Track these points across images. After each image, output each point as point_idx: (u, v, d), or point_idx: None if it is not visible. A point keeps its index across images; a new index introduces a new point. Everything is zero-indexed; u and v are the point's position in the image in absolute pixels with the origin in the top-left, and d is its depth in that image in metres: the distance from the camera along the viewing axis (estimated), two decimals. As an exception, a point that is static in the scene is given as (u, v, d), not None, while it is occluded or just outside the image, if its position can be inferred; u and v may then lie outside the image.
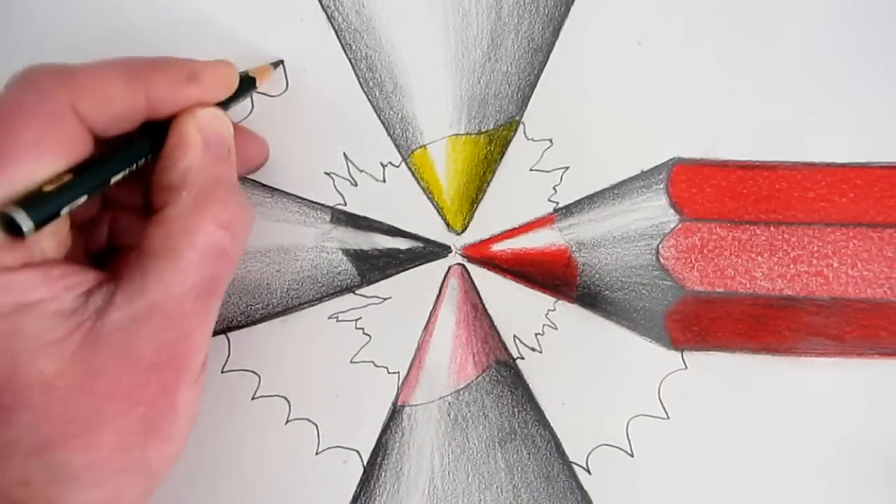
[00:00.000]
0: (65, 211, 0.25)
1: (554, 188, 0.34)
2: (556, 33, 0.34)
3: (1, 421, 0.24)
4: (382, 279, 0.34)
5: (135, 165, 0.27)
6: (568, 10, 0.34)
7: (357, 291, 0.34)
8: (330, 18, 0.34)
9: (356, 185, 0.34)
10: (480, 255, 0.34)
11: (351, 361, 0.34)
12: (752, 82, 0.34)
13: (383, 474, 0.34)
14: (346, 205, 0.34)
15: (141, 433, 0.25)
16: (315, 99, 0.34)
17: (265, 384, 0.34)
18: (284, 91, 0.34)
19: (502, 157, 0.34)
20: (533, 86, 0.34)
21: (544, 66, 0.34)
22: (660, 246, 0.34)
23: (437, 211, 0.35)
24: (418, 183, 0.34)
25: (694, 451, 0.34)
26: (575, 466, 0.34)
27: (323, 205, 0.34)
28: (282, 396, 0.34)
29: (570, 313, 0.34)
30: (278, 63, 0.34)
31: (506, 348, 0.34)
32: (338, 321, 0.34)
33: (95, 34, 0.34)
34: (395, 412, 0.34)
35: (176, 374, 0.26)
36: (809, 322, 0.34)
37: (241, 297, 0.34)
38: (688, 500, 0.34)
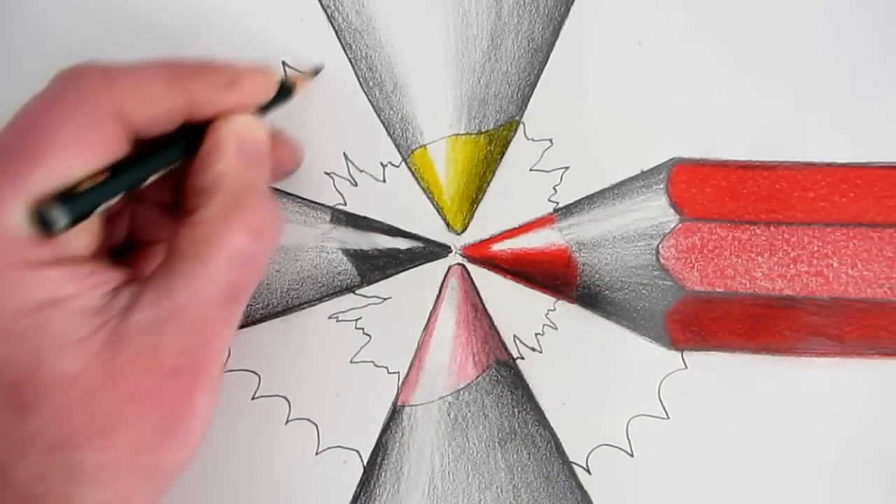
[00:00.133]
0: (99, 210, 0.25)
1: (554, 188, 0.34)
2: (556, 33, 0.34)
3: (21, 417, 0.24)
4: (382, 279, 0.34)
5: (170, 167, 0.27)
6: (568, 10, 0.34)
7: (357, 291, 0.34)
8: (330, 18, 0.34)
9: (356, 185, 0.34)
10: (480, 255, 0.34)
11: (351, 361, 0.34)
12: (752, 82, 0.34)
13: (383, 474, 0.34)
14: (346, 205, 0.34)
15: (156, 437, 0.25)
16: (315, 99, 0.34)
17: (265, 384, 0.34)
18: (284, 91, 0.34)
19: (502, 157, 0.34)
20: (533, 86, 0.34)
21: (544, 66, 0.34)
22: (660, 246, 0.34)
23: (437, 211, 0.35)
24: (418, 183, 0.34)
25: (694, 451, 0.34)
26: (575, 466, 0.34)
27: (323, 205, 0.34)
28: (282, 396, 0.34)
29: (570, 313, 0.34)
30: (318, 70, 0.34)
31: (506, 348, 0.34)
32: (338, 321, 0.34)
33: (93, 33, 0.34)
34: (395, 412, 0.34)
35: (195, 380, 0.26)
36: (809, 322, 0.34)
37: (241, 297, 0.34)
38: (688, 500, 0.34)
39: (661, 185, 0.34)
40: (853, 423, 0.34)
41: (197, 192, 0.27)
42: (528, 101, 0.34)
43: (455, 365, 0.34)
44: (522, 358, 0.34)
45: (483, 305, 0.34)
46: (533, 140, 0.34)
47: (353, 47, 0.34)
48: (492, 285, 0.34)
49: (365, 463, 0.34)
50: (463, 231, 0.35)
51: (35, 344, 0.24)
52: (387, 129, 0.34)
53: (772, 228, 0.34)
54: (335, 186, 0.34)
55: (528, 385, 0.34)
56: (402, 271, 0.34)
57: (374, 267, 0.34)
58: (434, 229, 0.35)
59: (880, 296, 0.34)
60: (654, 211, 0.34)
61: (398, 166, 0.34)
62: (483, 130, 0.34)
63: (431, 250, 0.35)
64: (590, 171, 0.34)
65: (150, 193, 0.30)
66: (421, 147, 0.34)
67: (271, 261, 0.34)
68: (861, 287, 0.34)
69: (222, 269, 0.25)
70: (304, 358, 0.34)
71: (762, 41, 0.34)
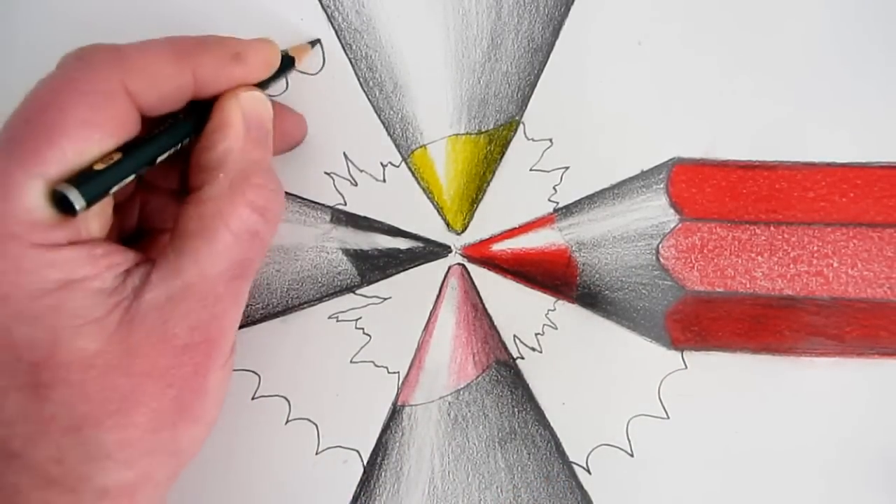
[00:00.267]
0: (114, 189, 0.25)
1: (554, 188, 0.34)
2: (556, 33, 0.34)
3: (39, 397, 0.24)
4: (382, 279, 0.34)
5: (180, 144, 0.27)
6: (568, 10, 0.34)
7: (357, 291, 0.34)
8: (330, 18, 0.34)
9: (356, 185, 0.34)
10: (480, 255, 0.34)
11: (351, 361, 0.34)
12: (752, 82, 0.34)
13: (383, 474, 0.34)
14: (346, 205, 0.34)
15: (173, 414, 0.26)
16: (315, 99, 0.34)
17: (265, 384, 0.34)
18: (284, 91, 0.34)
19: (502, 157, 0.34)
20: (533, 86, 0.34)
21: (544, 66, 0.34)
22: (660, 246, 0.34)
23: (437, 211, 0.35)
24: (418, 183, 0.34)
25: (694, 451, 0.34)
26: (575, 466, 0.34)
27: (323, 205, 0.34)
28: (282, 396, 0.34)
29: (570, 313, 0.34)
30: (315, 42, 0.34)
31: (506, 348, 0.34)
32: (338, 321, 0.34)
33: (93, 32, 0.34)
34: (395, 412, 0.34)
35: (207, 356, 0.26)
36: (809, 322, 0.34)
37: (241, 297, 0.34)
38: (688, 500, 0.34)
39: (661, 185, 0.34)
40: (853, 423, 0.34)
41: (202, 169, 0.27)
42: (528, 101, 0.34)
43: (455, 365, 0.34)
44: (522, 358, 0.34)
45: (483, 305, 0.34)
46: (533, 140, 0.34)
47: (353, 47, 0.34)
48: (492, 285, 0.34)
49: (365, 463, 0.34)
50: (463, 231, 0.35)
51: (53, 324, 0.24)
52: (387, 129, 0.34)
53: (772, 228, 0.34)
54: (335, 186, 0.34)
55: (528, 385, 0.34)
56: (402, 271, 0.34)
57: (374, 267, 0.34)
58: (434, 229, 0.35)
59: (880, 296, 0.34)
60: (654, 211, 0.34)
61: (398, 166, 0.34)
62: (483, 130, 0.34)
63: (431, 250, 0.35)
64: (590, 171, 0.34)
65: (158, 180, 0.30)
66: (421, 147, 0.34)
67: (271, 261, 0.34)
68: (861, 287, 0.34)
69: (229, 246, 0.26)
70: (304, 358, 0.34)
71: (762, 41, 0.34)
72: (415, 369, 0.34)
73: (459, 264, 0.35)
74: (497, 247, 0.34)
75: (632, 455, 0.34)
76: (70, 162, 0.24)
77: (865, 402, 0.34)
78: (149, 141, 0.26)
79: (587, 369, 0.34)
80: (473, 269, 0.35)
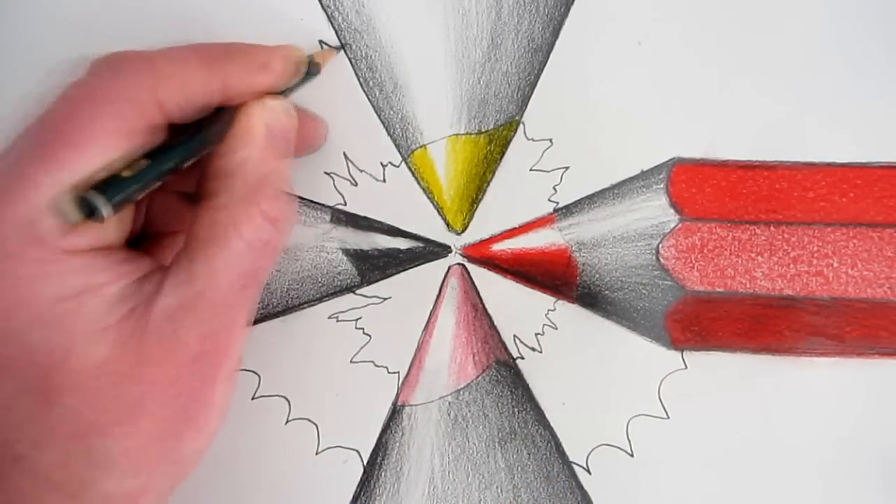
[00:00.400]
0: (139, 197, 0.25)
1: (554, 188, 0.34)
2: (556, 33, 0.34)
3: (48, 402, 0.24)
4: (382, 279, 0.34)
5: (203, 153, 0.27)
6: (568, 10, 0.34)
7: (357, 291, 0.34)
8: (330, 18, 0.34)
9: (356, 185, 0.34)
10: (480, 255, 0.34)
11: (351, 361, 0.34)
12: (752, 82, 0.34)
13: (383, 474, 0.34)
14: (346, 205, 0.34)
15: (179, 424, 0.26)
16: (315, 99, 0.34)
17: (265, 384, 0.34)
18: (284, 91, 0.34)
19: (502, 157, 0.34)
20: (533, 86, 0.34)
21: (544, 66, 0.34)
22: (660, 246, 0.34)
23: (437, 211, 0.35)
24: (418, 183, 0.34)
25: (694, 451, 0.34)
26: (575, 466, 0.34)
27: (323, 205, 0.34)
28: (282, 396, 0.34)
29: (570, 313, 0.34)
30: (340, 47, 0.34)
31: (506, 348, 0.34)
32: (338, 321, 0.34)
33: (93, 32, 0.34)
34: (395, 412, 0.34)
35: (215, 367, 0.26)
36: (809, 322, 0.34)
37: (241, 297, 0.34)
38: (688, 500, 0.34)
39: (661, 185, 0.34)
40: (852, 423, 0.34)
41: (218, 175, 0.27)
42: (528, 101, 0.34)
43: (455, 365, 0.34)
44: (522, 358, 0.34)
45: (483, 305, 0.34)
46: (533, 140, 0.34)
47: (353, 47, 0.34)
48: (492, 285, 0.34)
49: (365, 463, 0.34)
50: (463, 231, 0.35)
51: (69, 330, 0.24)
52: (387, 129, 0.34)
53: (772, 228, 0.34)
54: (335, 186, 0.34)
55: (528, 385, 0.34)
56: (402, 271, 0.34)
57: (374, 267, 0.34)
58: (434, 229, 0.35)
59: (880, 296, 0.34)
60: (654, 211, 0.34)
61: (398, 166, 0.34)
62: (483, 130, 0.34)
63: (431, 250, 0.35)
64: (590, 171, 0.34)
65: (167, 182, 0.30)
66: (421, 147, 0.34)
67: (271, 261, 0.34)
68: (861, 287, 0.34)
69: (242, 255, 0.26)
70: (304, 358, 0.34)
71: (762, 41, 0.34)
72: (415, 369, 0.34)
73: (459, 264, 0.35)
74: (497, 247, 0.34)
75: (632, 455, 0.34)
76: (98, 169, 0.24)
77: (865, 402, 0.34)
78: (175, 148, 0.26)
79: (587, 369, 0.34)
80: (473, 269, 0.35)
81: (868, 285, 0.34)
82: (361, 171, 0.34)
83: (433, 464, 0.34)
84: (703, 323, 0.34)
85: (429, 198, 0.35)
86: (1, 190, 0.24)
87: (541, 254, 0.34)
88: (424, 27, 0.34)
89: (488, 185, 0.34)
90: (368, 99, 0.34)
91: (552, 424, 0.34)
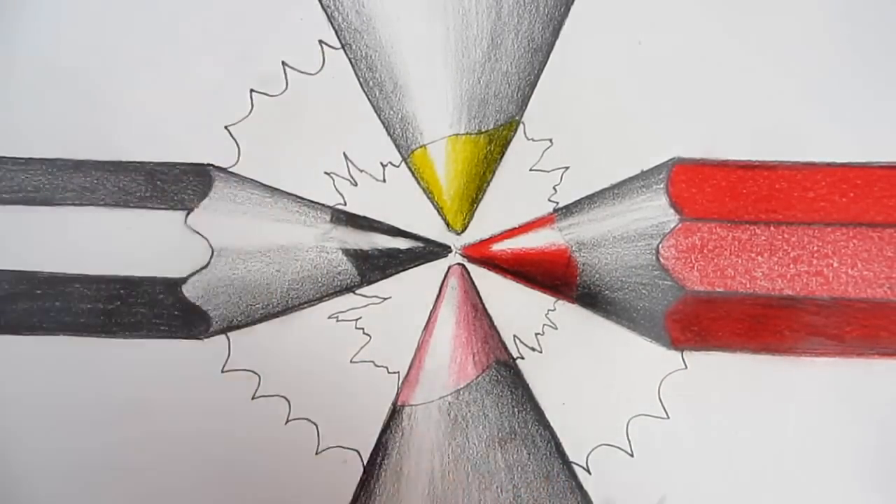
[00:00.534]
0: None
1: (554, 188, 0.34)
2: (556, 33, 0.34)
3: None
4: (382, 279, 0.34)
5: None
6: (568, 10, 0.34)
7: (357, 291, 0.34)
8: (330, 18, 0.34)
9: (356, 185, 0.34)
10: (480, 255, 0.34)
11: (351, 361, 0.34)
12: (752, 82, 0.34)
13: (383, 474, 0.34)
14: (346, 205, 0.34)
15: None
16: (315, 99, 0.34)
17: (265, 384, 0.34)
18: (284, 91, 0.34)
19: (502, 157, 0.34)
20: (533, 86, 0.34)
21: (544, 66, 0.34)
22: (660, 246, 0.34)
23: (437, 211, 0.35)
24: (418, 183, 0.34)
25: (694, 451, 0.34)
26: (575, 466, 0.34)
27: (323, 205, 0.34)
28: (282, 396, 0.34)
29: (570, 313, 0.34)
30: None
31: (506, 348, 0.34)
32: (338, 321, 0.34)
33: (92, 32, 0.34)
34: (395, 412, 0.34)
35: None
36: (809, 322, 0.34)
37: (241, 297, 0.34)
38: (688, 500, 0.34)
39: (661, 185, 0.34)
40: (852, 423, 0.34)
41: None
42: (528, 101, 0.34)
43: (455, 365, 0.34)
44: (522, 358, 0.34)
45: (483, 305, 0.34)
46: (533, 140, 0.34)
47: (353, 47, 0.34)
48: (492, 285, 0.34)
49: (365, 463, 0.34)
50: (463, 231, 0.35)
51: None
52: (387, 129, 0.34)
53: (772, 228, 0.34)
54: (335, 186, 0.34)
55: (528, 385, 0.34)
56: (402, 271, 0.34)
57: (374, 267, 0.34)
58: (434, 229, 0.35)
59: (880, 296, 0.34)
60: (654, 211, 0.34)
61: (398, 166, 0.34)
62: (483, 130, 0.34)
63: (431, 250, 0.35)
64: (590, 171, 0.34)
65: None
66: (421, 147, 0.34)
67: (271, 261, 0.34)
68: (861, 287, 0.34)
69: None
70: (304, 358, 0.34)
71: (762, 41, 0.34)
72: (415, 369, 0.34)
73: (459, 264, 0.35)
74: (497, 247, 0.34)
75: (632, 455, 0.34)
76: None
77: (865, 402, 0.34)
78: None
79: (587, 369, 0.34)
80: (473, 269, 0.35)
81: (868, 285, 0.34)
82: (361, 171, 0.34)
83: (433, 464, 0.34)
84: (703, 323, 0.34)
85: (429, 198, 0.35)
86: None
87: (541, 254, 0.34)
88: (424, 27, 0.34)
89: (488, 185, 0.34)
90: (368, 99, 0.34)
91: (552, 424, 0.34)
